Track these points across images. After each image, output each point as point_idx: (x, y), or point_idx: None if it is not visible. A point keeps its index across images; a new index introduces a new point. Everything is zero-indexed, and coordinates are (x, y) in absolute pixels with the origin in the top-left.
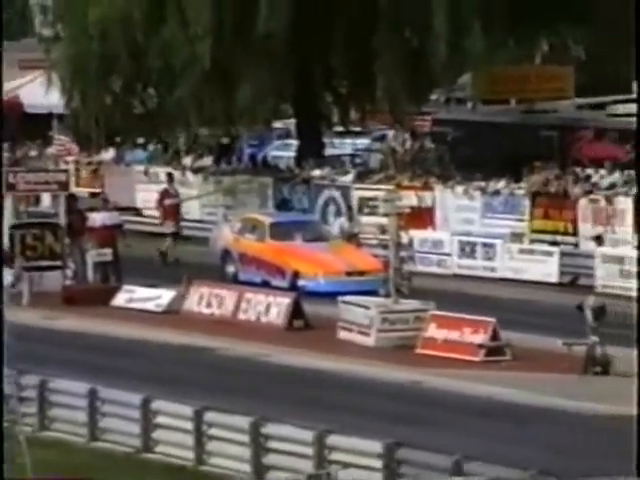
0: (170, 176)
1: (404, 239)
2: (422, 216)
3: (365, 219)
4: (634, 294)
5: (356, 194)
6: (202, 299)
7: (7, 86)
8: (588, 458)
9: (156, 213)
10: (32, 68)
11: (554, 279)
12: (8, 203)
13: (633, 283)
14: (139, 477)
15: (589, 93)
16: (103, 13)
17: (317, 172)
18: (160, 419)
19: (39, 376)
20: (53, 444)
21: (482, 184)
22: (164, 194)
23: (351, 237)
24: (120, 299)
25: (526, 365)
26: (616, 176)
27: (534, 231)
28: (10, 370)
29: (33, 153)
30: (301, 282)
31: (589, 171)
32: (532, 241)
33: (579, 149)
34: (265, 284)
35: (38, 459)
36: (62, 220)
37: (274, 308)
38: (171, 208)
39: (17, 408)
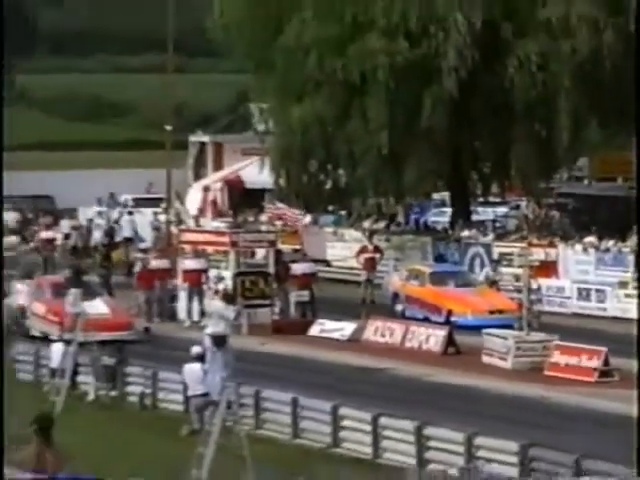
0: (372, 234)
1: (534, 285)
2: (548, 268)
3: (503, 270)
4: None
5: (496, 250)
6: (377, 330)
7: (232, 167)
8: None
9: (343, 264)
10: (251, 155)
11: None
12: (232, 256)
13: None
14: (330, 466)
15: None
16: (303, 114)
17: (466, 233)
18: (346, 422)
19: (254, 387)
20: (265, 440)
21: (596, 243)
22: (363, 249)
23: (493, 283)
24: (314, 330)
25: (630, 384)
26: None
27: (637, 280)
28: (232, 382)
29: (250, 218)
30: (454, 318)
31: None
32: (635, 287)
33: None
34: (426, 319)
35: (254, 452)
36: (271, 269)
37: (432, 338)
38: (367, 261)
39: (238, 412)
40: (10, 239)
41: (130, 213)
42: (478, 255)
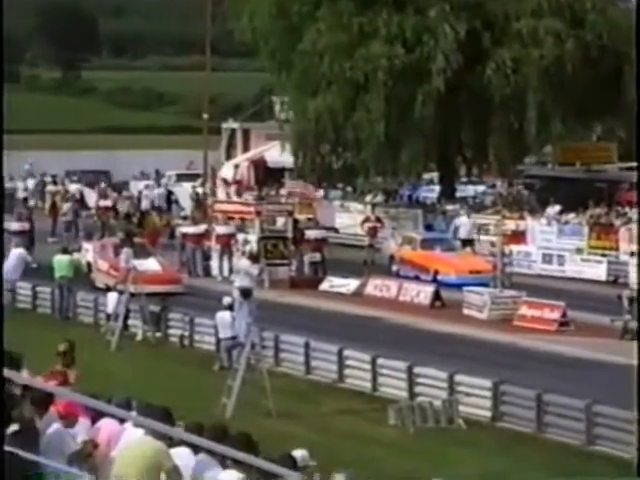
0: (373, 206)
1: (506, 251)
2: (518, 236)
3: (481, 237)
4: None
5: (476, 221)
6: (376, 287)
7: (258, 150)
8: (618, 391)
9: (349, 231)
10: (273, 139)
11: (603, 278)
12: (256, 223)
13: None
14: (336, 397)
15: (626, 160)
16: (317, 106)
17: (450, 207)
18: (349, 362)
19: (274, 332)
20: (283, 375)
21: (558, 217)
22: (366, 219)
23: (469, 242)
24: (325, 285)
25: (584, 333)
26: None
27: (591, 247)
28: (255, 327)
29: (272, 192)
30: (440, 277)
31: (626, 209)
32: (589, 253)
33: (620, 195)
34: (416, 278)
35: (273, 384)
36: (289, 234)
37: (422, 293)
38: (370, 229)
39: (260, 352)
40: (67, 205)
41: (169, 192)
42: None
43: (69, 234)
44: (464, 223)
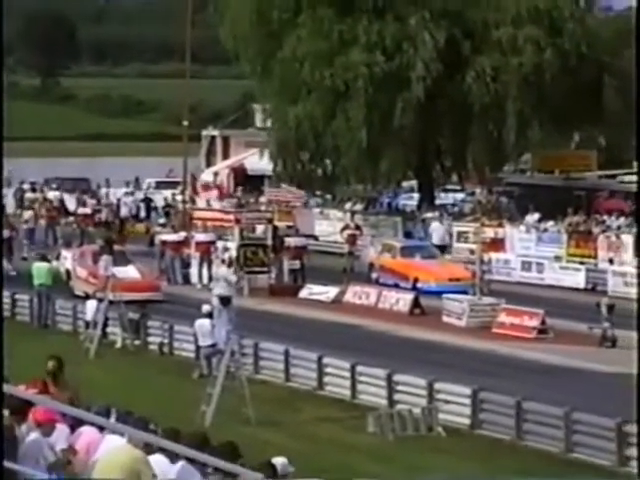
0: (353, 214)
1: (485, 258)
2: (497, 244)
3: (460, 245)
4: (633, 297)
5: (455, 229)
6: (356, 294)
7: (237, 157)
8: (597, 398)
9: (328, 239)
10: (252, 146)
11: (582, 286)
12: (236, 231)
13: (632, 289)
14: (315, 404)
15: (605, 168)
16: (297, 113)
17: (429, 214)
18: (329, 369)
19: (253, 339)
20: (262, 383)
21: (537, 224)
22: (345, 227)
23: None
24: (304, 293)
25: (562, 340)
26: (622, 221)
27: (569, 255)
28: (235, 335)
29: (252, 200)
30: (419, 285)
31: (605, 217)
32: (568, 261)
33: (599, 203)
34: (396, 285)
35: (253, 392)
36: (269, 242)
37: (401, 301)
38: (350, 236)
39: (239, 359)
40: (28, 212)
41: (149, 199)
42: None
43: (28, 243)
44: (436, 229)
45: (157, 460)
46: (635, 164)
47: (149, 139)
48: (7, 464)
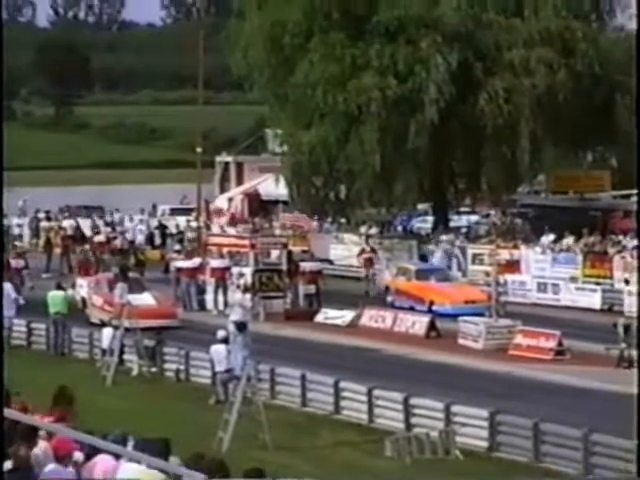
0: (367, 238)
1: (501, 280)
2: (512, 265)
3: (475, 267)
4: None
5: (470, 251)
6: (372, 318)
7: (251, 183)
8: (615, 419)
9: (343, 263)
10: (267, 172)
11: (598, 307)
12: (251, 256)
13: None
14: (332, 429)
15: (620, 188)
16: (310, 138)
17: (444, 237)
18: (345, 393)
19: (269, 365)
20: (279, 408)
21: (552, 245)
22: (362, 251)
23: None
24: (320, 317)
25: (579, 361)
26: (637, 241)
27: (585, 276)
28: (251, 360)
29: (266, 225)
30: (435, 307)
31: (620, 238)
32: (584, 282)
33: (613, 224)
34: (411, 309)
35: (270, 417)
36: (284, 267)
37: (417, 324)
38: (366, 260)
39: (256, 385)
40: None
41: (163, 226)
42: (454, 255)
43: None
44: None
45: None
46: None
47: (163, 166)
48: None
